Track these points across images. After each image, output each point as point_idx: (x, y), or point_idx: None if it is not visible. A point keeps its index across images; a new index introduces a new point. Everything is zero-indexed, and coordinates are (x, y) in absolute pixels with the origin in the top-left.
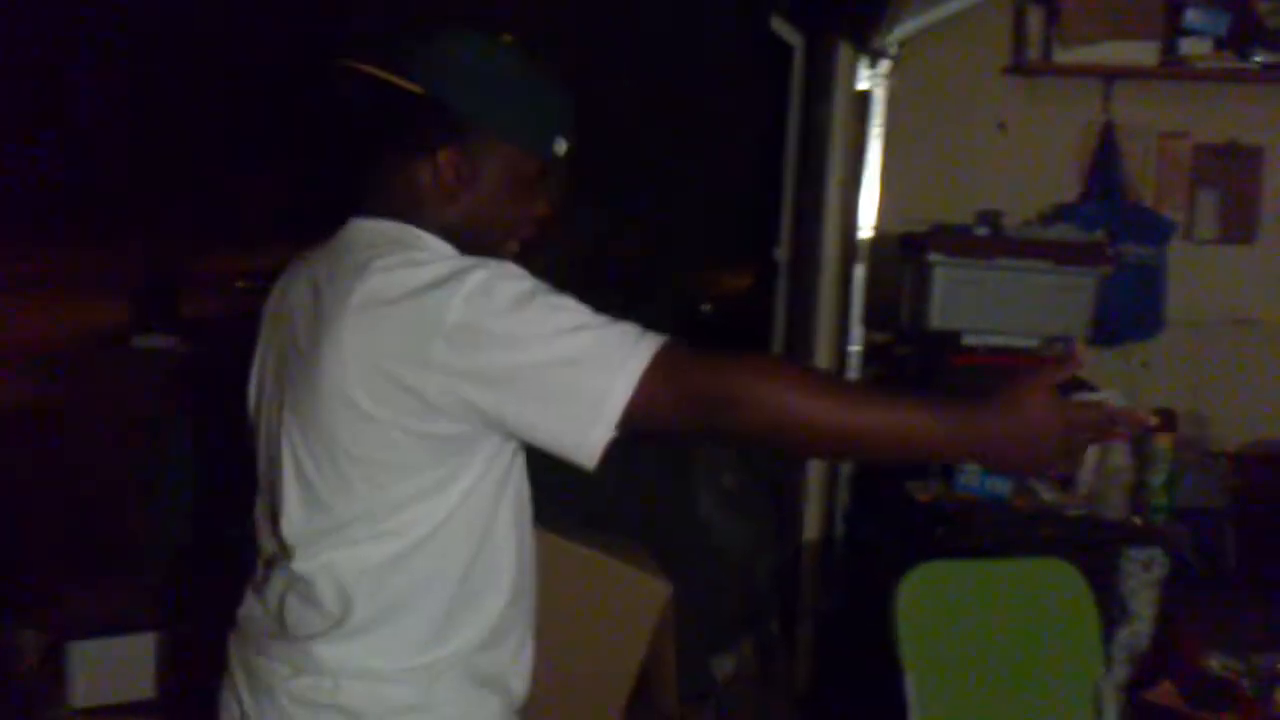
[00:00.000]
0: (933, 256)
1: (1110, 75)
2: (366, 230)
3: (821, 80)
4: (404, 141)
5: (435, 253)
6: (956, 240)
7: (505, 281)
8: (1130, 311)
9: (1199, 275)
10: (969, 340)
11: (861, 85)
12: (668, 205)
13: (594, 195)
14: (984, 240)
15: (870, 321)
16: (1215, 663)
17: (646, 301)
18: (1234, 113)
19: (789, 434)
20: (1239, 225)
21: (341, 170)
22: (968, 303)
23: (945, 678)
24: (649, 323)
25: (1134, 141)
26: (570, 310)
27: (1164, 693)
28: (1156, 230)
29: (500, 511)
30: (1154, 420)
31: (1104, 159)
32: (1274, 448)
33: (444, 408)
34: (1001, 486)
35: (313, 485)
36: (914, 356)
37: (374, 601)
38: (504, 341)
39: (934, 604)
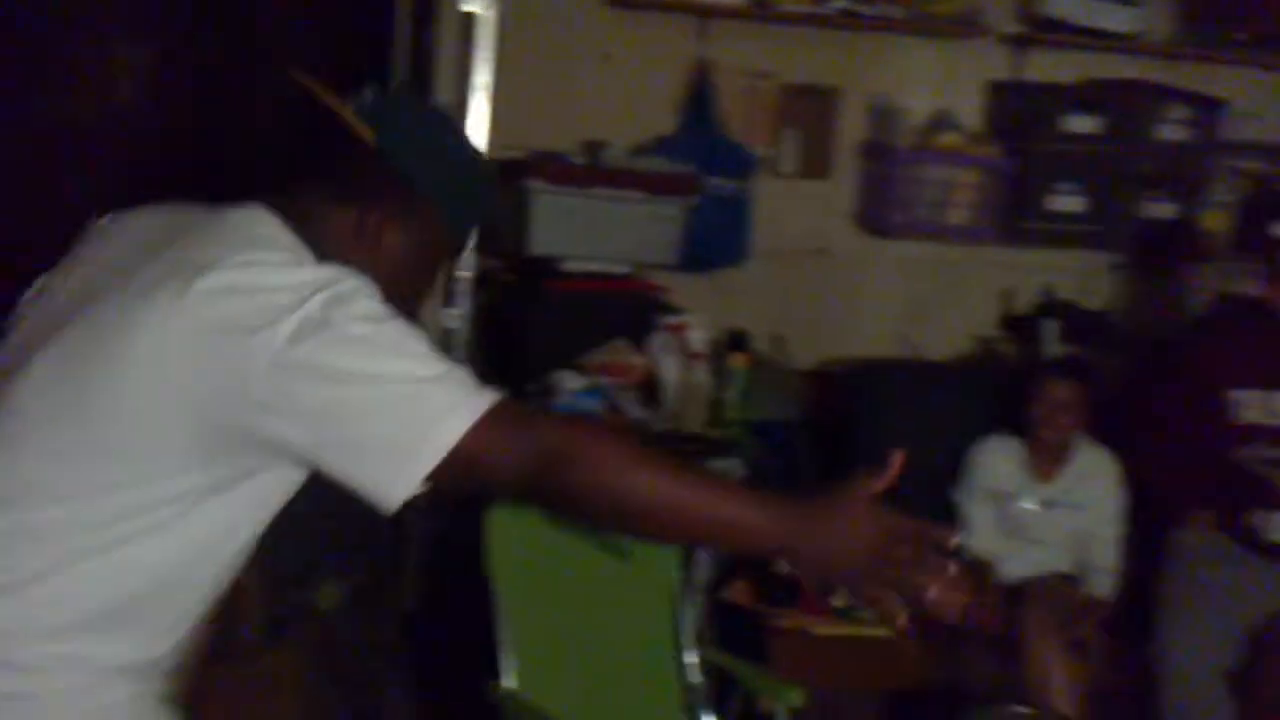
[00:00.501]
0: (532, 184)
1: (704, 14)
2: (262, 224)
3: (427, 1)
4: (336, 178)
5: (296, 262)
6: (555, 168)
7: (355, 303)
8: (718, 241)
9: (781, 207)
10: (568, 266)
11: (468, 7)
12: (264, 136)
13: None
14: (581, 169)
15: (481, 248)
16: (782, 562)
17: None
18: (815, 55)
19: (618, 501)
20: (817, 162)
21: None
22: (565, 229)
23: (533, 591)
24: None
25: (726, 79)
26: (412, 346)
27: (738, 591)
28: (743, 164)
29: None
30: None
31: (698, 95)
32: (844, 366)
33: (247, 435)
34: (594, 405)
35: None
36: (516, 284)
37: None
38: (333, 375)
39: (521, 521)
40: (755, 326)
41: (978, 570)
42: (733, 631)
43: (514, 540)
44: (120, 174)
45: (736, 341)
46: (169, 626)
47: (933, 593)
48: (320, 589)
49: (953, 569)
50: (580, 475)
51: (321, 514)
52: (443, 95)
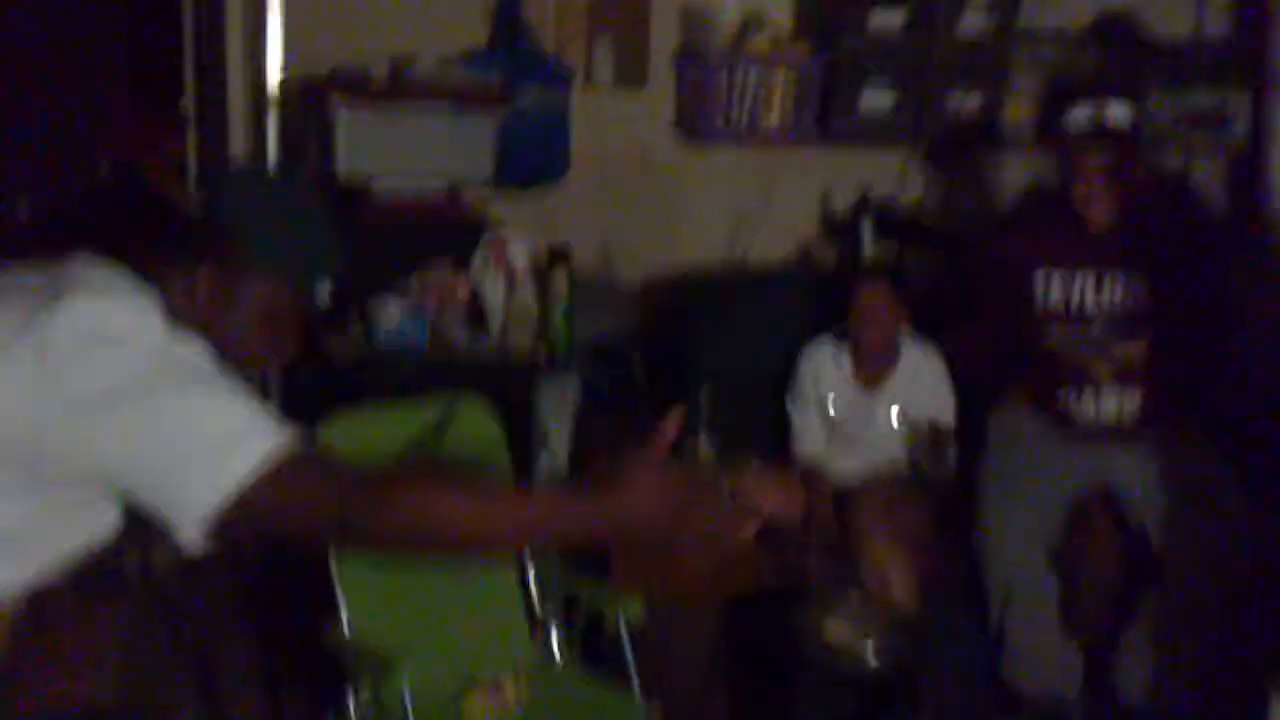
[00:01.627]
0: (335, 102)
1: None
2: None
3: None
4: (167, 241)
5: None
6: (358, 86)
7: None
8: (536, 155)
9: (599, 119)
10: (379, 187)
11: None
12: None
13: None
14: (385, 86)
15: (287, 171)
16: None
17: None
18: None
19: (430, 540)
20: (633, 71)
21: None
22: (373, 149)
23: None
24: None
25: None
26: (216, 388)
27: None
28: (556, 76)
29: None
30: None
31: (506, 6)
32: (668, 280)
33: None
34: (418, 336)
35: None
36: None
37: None
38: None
39: (353, 449)
40: (580, 242)
41: (809, 475)
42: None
43: None
44: None
45: (559, 256)
46: None
47: (765, 503)
48: (154, 550)
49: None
50: (389, 513)
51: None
52: (237, 15)
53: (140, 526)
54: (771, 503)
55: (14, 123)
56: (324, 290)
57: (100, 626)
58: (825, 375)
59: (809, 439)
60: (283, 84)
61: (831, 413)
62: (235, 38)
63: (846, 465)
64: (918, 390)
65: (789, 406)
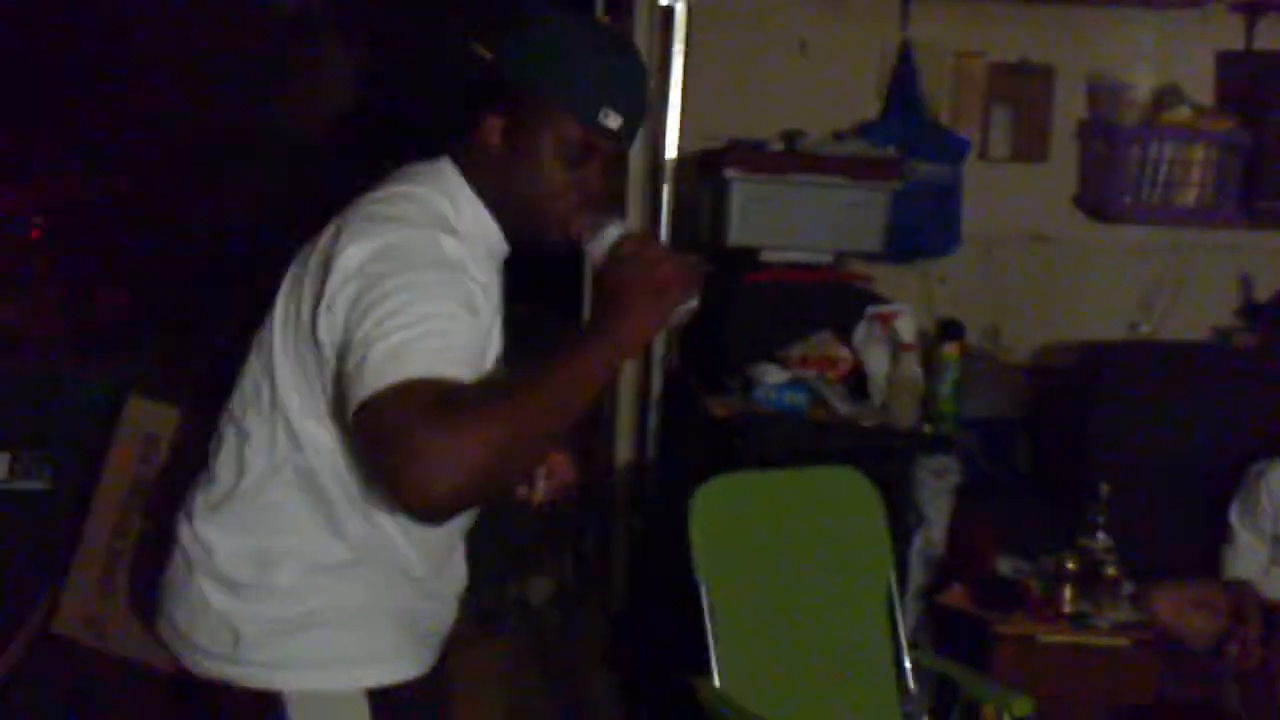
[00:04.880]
0: (729, 173)
1: None
2: (425, 172)
3: None
4: (469, 104)
5: (421, 212)
6: (752, 156)
7: (404, 251)
8: (927, 228)
9: (993, 193)
10: (767, 256)
11: (664, 1)
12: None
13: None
14: (779, 156)
15: (678, 242)
16: (1005, 565)
17: None
18: (1026, 32)
19: (489, 459)
20: (1031, 144)
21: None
22: (764, 218)
23: (741, 587)
24: None
25: (930, 60)
26: (412, 303)
27: (955, 595)
28: (951, 148)
29: None
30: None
31: (901, 78)
32: (1063, 359)
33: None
34: (799, 399)
35: None
36: (715, 275)
37: None
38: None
39: (727, 515)
40: (967, 317)
41: (1238, 591)
42: (951, 637)
43: (720, 541)
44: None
45: (949, 331)
46: None
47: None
48: (529, 584)
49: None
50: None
51: (529, 510)
52: None
53: (520, 560)
54: (1185, 623)
55: None
56: (612, 120)
57: (488, 654)
58: None
59: (1249, 561)
60: (679, 156)
61: None
62: None
63: None
64: None
65: (1233, 518)
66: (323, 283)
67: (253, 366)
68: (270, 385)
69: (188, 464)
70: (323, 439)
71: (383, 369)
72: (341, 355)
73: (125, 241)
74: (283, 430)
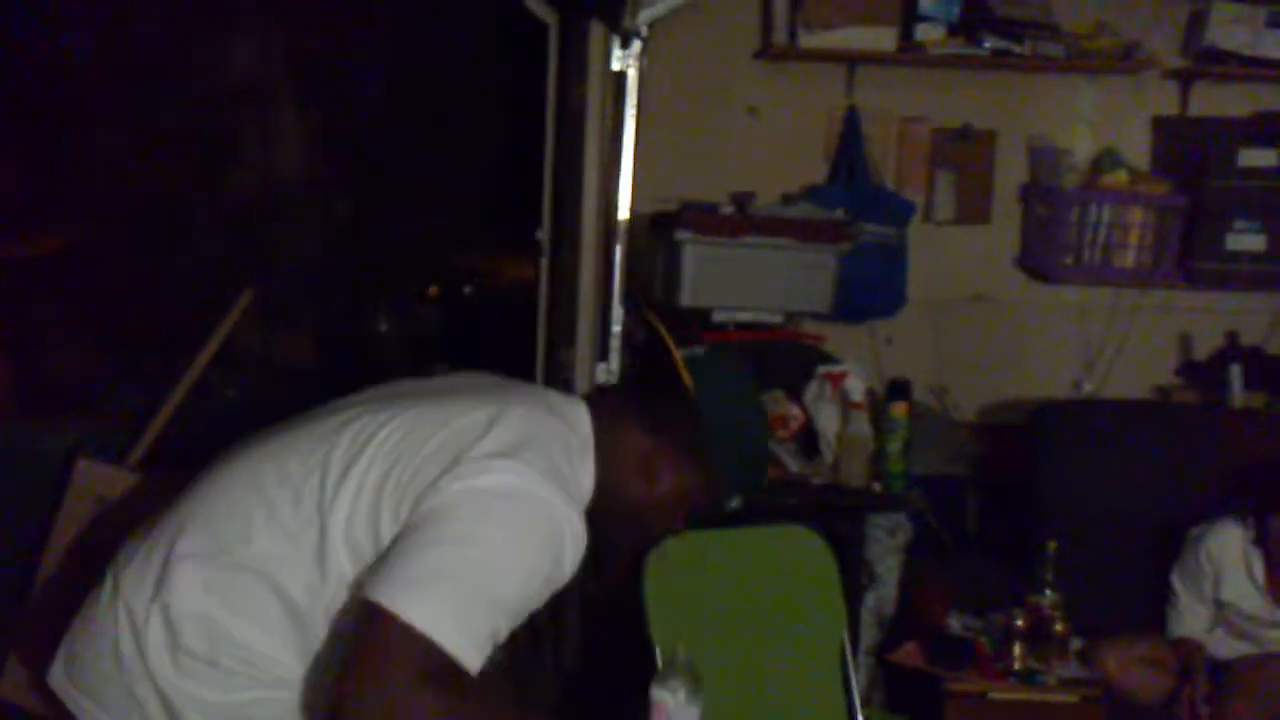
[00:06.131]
0: (680, 235)
1: (852, 60)
2: (563, 424)
3: (577, 60)
4: (649, 407)
5: (542, 469)
6: (704, 219)
7: (505, 493)
8: (874, 289)
9: (938, 254)
10: (719, 317)
11: (615, 66)
12: (427, 187)
13: (349, 180)
14: (730, 218)
15: (630, 302)
16: (955, 622)
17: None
18: (968, 97)
19: None
20: (974, 206)
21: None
22: (716, 280)
23: (695, 647)
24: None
25: (876, 125)
26: (485, 540)
27: (907, 653)
28: (897, 211)
29: None
30: None
31: (848, 142)
32: (1008, 417)
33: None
34: None
35: None
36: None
37: None
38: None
39: (680, 575)
40: (915, 376)
41: (1183, 649)
42: (903, 695)
43: (675, 605)
44: None
45: (897, 390)
46: None
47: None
48: (566, 641)
49: None
50: None
51: None
52: (593, 153)
53: (556, 617)
54: (1134, 680)
55: (384, 235)
56: (732, 503)
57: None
58: (1229, 569)
59: (1191, 622)
60: (631, 217)
61: (1224, 600)
62: (592, 176)
63: (1232, 648)
64: None
65: (1174, 581)
66: (445, 470)
67: (290, 466)
68: (320, 490)
69: (136, 526)
70: (346, 569)
71: (417, 591)
72: (411, 528)
73: (72, 301)
74: (312, 543)
